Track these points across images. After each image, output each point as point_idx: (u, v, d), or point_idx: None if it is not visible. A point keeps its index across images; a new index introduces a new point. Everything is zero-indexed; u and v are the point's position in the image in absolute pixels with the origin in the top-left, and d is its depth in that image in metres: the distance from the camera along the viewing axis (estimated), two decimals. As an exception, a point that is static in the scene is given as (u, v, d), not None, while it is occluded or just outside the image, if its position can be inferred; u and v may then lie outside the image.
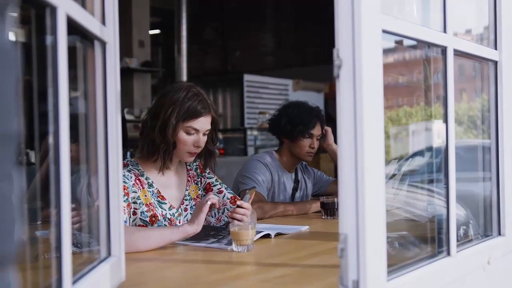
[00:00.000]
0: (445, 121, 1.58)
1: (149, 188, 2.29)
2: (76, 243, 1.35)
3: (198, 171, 2.50)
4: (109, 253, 1.42)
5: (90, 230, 1.48)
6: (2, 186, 0.59)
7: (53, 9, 1.01)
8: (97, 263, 1.35)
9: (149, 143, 2.27)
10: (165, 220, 2.28)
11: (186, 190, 2.42)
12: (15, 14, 0.65)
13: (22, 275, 0.85)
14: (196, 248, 2.04)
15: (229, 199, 2.43)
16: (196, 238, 2.09)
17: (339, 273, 1.22)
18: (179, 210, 2.36)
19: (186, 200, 2.41)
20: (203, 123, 2.28)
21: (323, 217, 2.75)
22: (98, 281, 1.28)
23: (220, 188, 2.49)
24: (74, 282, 1.12)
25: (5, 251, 0.60)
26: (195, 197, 2.45)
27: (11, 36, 0.63)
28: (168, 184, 2.36)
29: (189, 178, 2.45)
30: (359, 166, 1.20)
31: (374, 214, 1.22)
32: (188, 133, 2.26)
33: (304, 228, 2.42)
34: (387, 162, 1.34)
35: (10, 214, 0.60)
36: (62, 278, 1.03)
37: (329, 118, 3.86)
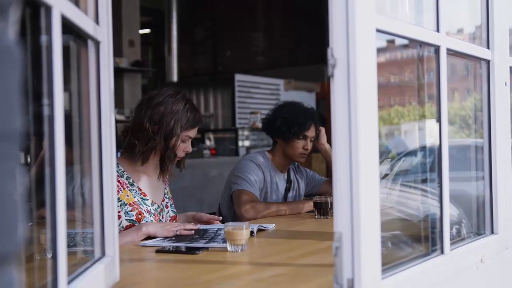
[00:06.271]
0: (438, 120, 1.59)
1: (131, 187, 2.36)
2: (69, 243, 1.34)
3: (167, 177, 2.61)
4: (103, 253, 1.41)
5: (83, 231, 1.47)
6: (6, 184, 0.59)
7: (48, 9, 1.01)
8: (91, 263, 1.35)
9: (149, 149, 2.35)
10: (150, 216, 2.37)
11: (165, 189, 2.55)
12: (17, 14, 0.65)
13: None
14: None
15: (170, 217, 2.53)
16: (186, 240, 2.08)
17: (334, 271, 1.23)
18: (161, 206, 2.47)
19: (166, 197, 2.53)
20: (196, 131, 2.45)
21: (316, 216, 2.76)
22: (92, 281, 1.27)
23: (169, 202, 2.58)
24: (69, 282, 1.12)
25: (9, 249, 0.60)
26: (171, 197, 2.58)
27: (14, 36, 0.63)
28: (149, 183, 2.45)
29: (166, 180, 2.57)
30: (354, 165, 1.20)
31: (369, 213, 1.22)
32: (183, 141, 2.39)
33: (271, 227, 2.44)
34: (380, 161, 1.34)
35: (14, 212, 0.60)
36: (58, 278, 1.03)
37: (321, 118, 3.86)
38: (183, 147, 2.40)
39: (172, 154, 2.37)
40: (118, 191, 2.28)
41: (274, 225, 2.48)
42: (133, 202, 2.32)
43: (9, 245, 0.60)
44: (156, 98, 2.37)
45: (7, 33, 0.60)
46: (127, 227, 2.27)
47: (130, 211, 2.30)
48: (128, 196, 2.33)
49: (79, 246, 1.50)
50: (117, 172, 2.33)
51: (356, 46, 1.19)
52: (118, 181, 2.31)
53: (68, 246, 1.13)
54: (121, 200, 2.29)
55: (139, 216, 2.31)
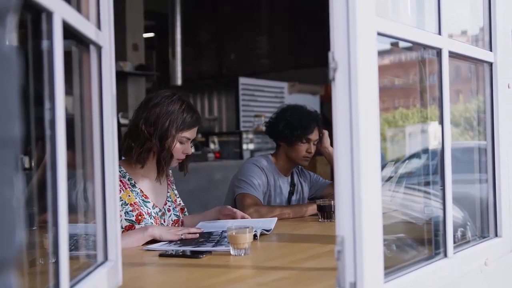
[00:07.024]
0: (441, 122, 1.59)
1: (133, 188, 2.37)
2: (71, 247, 1.34)
3: (172, 179, 2.63)
4: (106, 258, 1.41)
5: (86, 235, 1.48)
6: (3, 190, 0.59)
7: (49, 14, 1.01)
8: (94, 267, 1.35)
9: (146, 151, 2.35)
10: (150, 218, 2.37)
11: (168, 192, 2.54)
12: (15, 19, 0.65)
13: (20, 280, 0.85)
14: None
15: (172, 221, 2.53)
16: (192, 244, 2.08)
17: (336, 275, 1.22)
18: (163, 209, 2.47)
19: (168, 201, 2.53)
20: (195, 132, 2.44)
21: (319, 220, 2.75)
22: (95, 285, 1.27)
23: (171, 206, 2.56)
24: (71, 286, 1.12)
25: (7, 255, 0.60)
26: (174, 200, 2.57)
27: (12, 42, 0.63)
28: (151, 186, 2.45)
29: (169, 183, 2.58)
30: (355, 168, 1.20)
31: (370, 216, 1.22)
32: (180, 143, 2.39)
33: (274, 221, 2.51)
34: (383, 164, 1.34)
35: (11, 218, 0.61)
36: (60, 283, 1.03)
37: (325, 120, 3.85)
38: (182, 149, 2.40)
39: (168, 155, 2.36)
40: (120, 190, 2.28)
41: (275, 218, 2.54)
42: (134, 203, 2.33)
43: (7, 250, 0.60)
44: (153, 100, 2.38)
45: (5, 39, 0.61)
46: (126, 228, 2.27)
47: (130, 211, 2.31)
48: (129, 196, 2.33)
49: (81, 249, 1.50)
50: (120, 172, 2.33)
51: (357, 49, 1.19)
52: (120, 180, 2.32)
53: (70, 249, 1.13)
54: (122, 200, 2.29)
55: (139, 217, 2.32)
